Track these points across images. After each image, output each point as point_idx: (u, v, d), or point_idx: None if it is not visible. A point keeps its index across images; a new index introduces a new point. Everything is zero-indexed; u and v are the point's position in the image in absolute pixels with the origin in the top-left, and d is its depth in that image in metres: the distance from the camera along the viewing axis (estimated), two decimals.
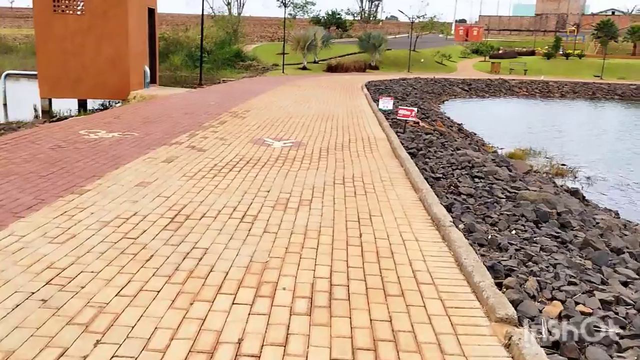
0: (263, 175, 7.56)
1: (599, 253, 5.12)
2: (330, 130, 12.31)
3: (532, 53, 57.50)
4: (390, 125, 12.90)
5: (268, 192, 6.72)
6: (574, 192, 9.42)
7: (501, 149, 17.15)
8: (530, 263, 4.70)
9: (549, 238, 5.46)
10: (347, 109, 16.81)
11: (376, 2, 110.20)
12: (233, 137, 10.63)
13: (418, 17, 52.75)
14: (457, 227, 5.55)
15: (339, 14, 64.79)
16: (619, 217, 9.17)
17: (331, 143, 10.63)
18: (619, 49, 60.64)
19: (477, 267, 4.35)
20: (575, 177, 13.63)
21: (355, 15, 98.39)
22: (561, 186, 10.46)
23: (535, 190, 7.81)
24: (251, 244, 4.87)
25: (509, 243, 5.14)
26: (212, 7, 61.00)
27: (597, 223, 6.45)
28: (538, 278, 4.33)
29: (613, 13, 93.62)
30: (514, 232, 5.66)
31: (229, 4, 57.14)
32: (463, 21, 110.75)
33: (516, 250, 4.98)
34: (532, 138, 20.17)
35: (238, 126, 12.05)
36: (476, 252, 4.85)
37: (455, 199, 6.67)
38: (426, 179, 7.58)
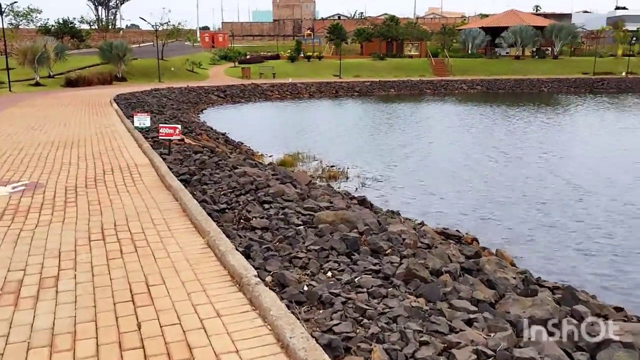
0: None
1: (429, 287, 4.49)
2: (77, 160, 10.06)
3: (277, 57, 59.91)
4: (151, 146, 11.17)
5: None
6: (362, 201, 9.12)
7: (270, 156, 16.70)
8: (365, 321, 3.76)
9: (370, 274, 4.67)
10: (97, 129, 14.40)
11: (113, 10, 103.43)
12: None
13: (161, 24, 50.27)
14: (264, 280, 4.39)
15: (72, 23, 58.38)
16: (401, 216, 9.15)
17: (80, 178, 8.53)
18: (350, 50, 67.07)
19: (311, 351, 3.22)
20: (348, 178, 13.72)
21: (91, 23, 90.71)
22: (345, 194, 10.16)
23: (328, 207, 7.12)
24: None
25: (331, 293, 4.15)
26: None
27: (404, 239, 5.96)
28: (384, 345, 3.40)
29: (339, 17, 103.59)
30: (329, 273, 4.72)
31: None
32: (206, 28, 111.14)
33: (343, 303, 4.01)
34: (295, 141, 20.30)
35: None
36: (298, 318, 3.73)
37: (250, 238, 5.49)
38: (209, 214, 6.25)
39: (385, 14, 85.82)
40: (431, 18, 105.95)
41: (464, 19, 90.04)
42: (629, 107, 33.74)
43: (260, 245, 5.26)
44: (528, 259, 8.65)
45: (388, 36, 59.91)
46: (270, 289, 4.21)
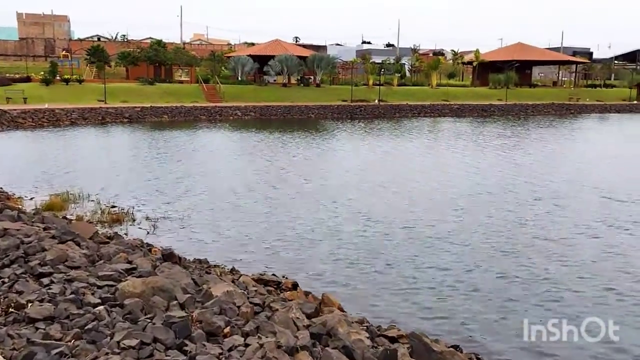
0: None
1: None
2: None
3: (28, 79, 52.89)
4: None
5: None
6: (169, 256, 7.62)
7: (31, 198, 13.91)
8: None
9: None
10: None
11: None
12: None
13: None
14: None
15: None
16: (213, 267, 8.05)
17: None
18: (114, 74, 62.68)
19: None
20: (135, 220, 11.97)
21: None
22: (143, 246, 8.55)
23: (131, 271, 5.69)
24: None
25: None
26: None
27: (239, 307, 4.90)
28: None
29: (99, 39, 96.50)
30: None
31: None
32: None
33: None
34: (61, 177, 17.52)
35: None
36: None
37: (30, 339, 3.86)
38: None
39: (150, 37, 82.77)
40: (198, 44, 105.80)
41: (231, 47, 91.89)
42: (385, 132, 37.57)
43: (48, 350, 3.69)
44: (347, 298, 8.29)
45: (156, 60, 57.73)
46: None
